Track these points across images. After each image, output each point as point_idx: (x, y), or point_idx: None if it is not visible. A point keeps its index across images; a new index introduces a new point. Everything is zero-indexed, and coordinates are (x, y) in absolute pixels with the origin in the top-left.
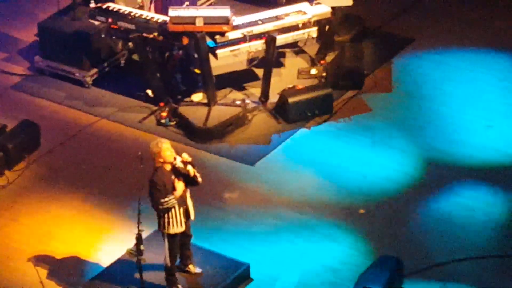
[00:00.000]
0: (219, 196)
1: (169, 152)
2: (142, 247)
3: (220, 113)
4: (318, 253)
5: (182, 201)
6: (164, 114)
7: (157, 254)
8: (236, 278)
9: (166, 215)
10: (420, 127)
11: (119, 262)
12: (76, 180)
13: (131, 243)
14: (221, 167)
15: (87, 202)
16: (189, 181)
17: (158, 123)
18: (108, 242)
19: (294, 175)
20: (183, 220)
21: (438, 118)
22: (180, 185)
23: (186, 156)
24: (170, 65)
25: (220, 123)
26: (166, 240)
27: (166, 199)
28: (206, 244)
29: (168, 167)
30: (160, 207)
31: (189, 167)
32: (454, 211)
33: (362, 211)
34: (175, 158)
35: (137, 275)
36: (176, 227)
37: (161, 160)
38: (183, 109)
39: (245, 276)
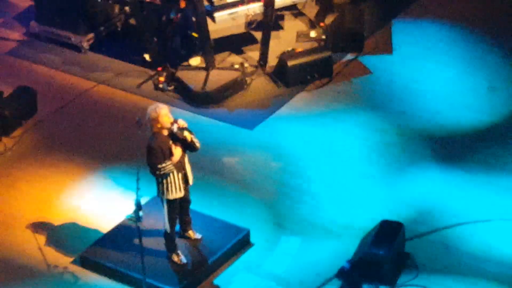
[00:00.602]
0: (218, 161)
1: (167, 118)
2: (141, 213)
3: (219, 77)
4: (320, 217)
5: (180, 166)
6: (162, 78)
7: (157, 220)
8: (236, 244)
9: (164, 181)
10: (422, 90)
11: (118, 228)
12: (74, 146)
13: (130, 209)
14: (220, 131)
15: (85, 168)
16: (187, 146)
17: (156, 87)
18: (107, 208)
19: (293, 139)
20: (182, 185)
21: (440, 81)
22: (177, 151)
23: (181, 122)
24: (169, 29)
25: (219, 87)
26: (165, 206)
27: (164, 164)
28: (205, 209)
29: (165, 133)
30: (158, 172)
31: (186, 133)
32: (456, 175)
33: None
34: (172, 124)
35: (136, 241)
36: (175, 192)
37: (159, 125)
38: (181, 74)
39: (245, 241)
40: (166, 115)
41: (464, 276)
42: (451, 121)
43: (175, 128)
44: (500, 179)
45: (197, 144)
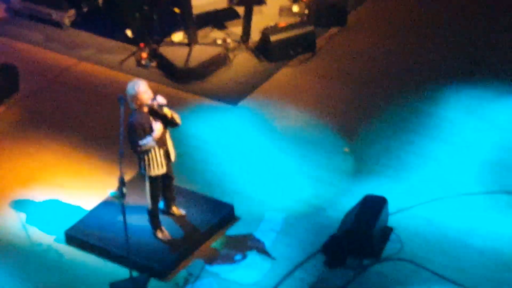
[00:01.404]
0: (201, 137)
1: (146, 95)
2: (124, 190)
3: (201, 53)
4: (303, 192)
5: (161, 142)
6: (144, 55)
7: (140, 197)
8: (220, 220)
9: (146, 157)
10: (405, 63)
11: (102, 205)
12: (57, 123)
13: (113, 186)
14: (203, 107)
15: (68, 145)
16: (168, 123)
17: (139, 64)
18: (90, 185)
19: (277, 114)
20: (163, 161)
21: (424, 54)
22: (158, 127)
23: (160, 99)
24: (160, 2)
25: (202, 63)
26: (147, 183)
27: (144, 141)
28: (189, 185)
29: (145, 109)
30: (139, 149)
31: (166, 109)
32: (438, 148)
33: (346, 149)
34: (152, 100)
35: (120, 218)
36: (157, 169)
37: (139, 102)
38: (164, 50)
39: (230, 217)
40: (145, 92)
41: (447, 250)
42: (437, 83)
43: (154, 104)
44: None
45: (178, 120)
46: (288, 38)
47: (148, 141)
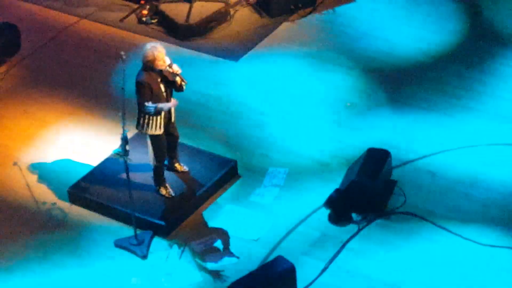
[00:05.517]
0: (204, 93)
1: (163, 61)
2: (127, 147)
3: (202, 9)
4: (306, 146)
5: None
6: (145, 12)
7: (144, 154)
8: (223, 175)
9: (146, 116)
10: (407, 16)
11: (105, 163)
12: (59, 82)
13: (116, 143)
14: (205, 64)
15: (70, 104)
16: (175, 89)
17: (140, 21)
18: (93, 143)
19: (278, 69)
20: (162, 122)
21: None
22: (168, 104)
23: (176, 68)
24: None
25: (202, 20)
26: (149, 141)
27: (149, 104)
28: (191, 142)
29: (157, 71)
30: (141, 108)
31: (177, 78)
32: (440, 100)
33: (349, 104)
34: (168, 67)
35: (123, 176)
36: (155, 129)
37: (154, 66)
38: (164, 6)
39: (233, 173)
40: (163, 59)
41: (451, 202)
42: (437, 40)
43: (169, 71)
44: (484, 104)
45: (184, 88)
46: None
47: (150, 109)
